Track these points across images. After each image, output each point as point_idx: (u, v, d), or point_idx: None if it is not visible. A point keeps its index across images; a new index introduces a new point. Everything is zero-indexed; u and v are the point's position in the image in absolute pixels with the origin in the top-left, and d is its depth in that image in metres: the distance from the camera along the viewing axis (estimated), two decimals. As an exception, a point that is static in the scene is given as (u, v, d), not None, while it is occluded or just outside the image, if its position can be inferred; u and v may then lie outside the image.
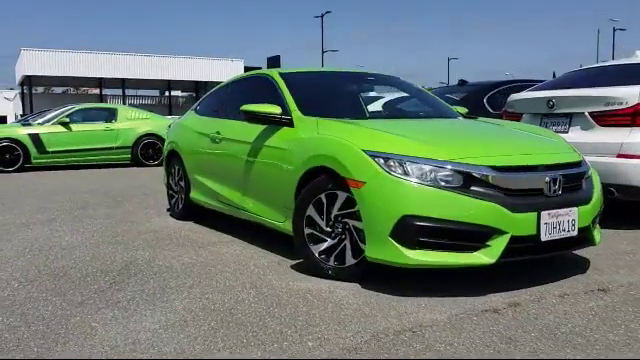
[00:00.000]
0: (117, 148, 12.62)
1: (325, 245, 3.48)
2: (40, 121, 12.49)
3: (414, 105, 4.67)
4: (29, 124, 12.49)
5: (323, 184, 3.44)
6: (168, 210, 6.31)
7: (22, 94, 43.04)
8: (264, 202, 4.16)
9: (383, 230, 3.05)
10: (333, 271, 3.42)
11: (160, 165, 13.10)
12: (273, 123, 4.04)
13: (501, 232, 3.00)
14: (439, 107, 4.68)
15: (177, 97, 52.96)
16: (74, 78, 40.15)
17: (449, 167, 3.06)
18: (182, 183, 5.66)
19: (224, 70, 43.37)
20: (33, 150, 11.88)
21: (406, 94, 4.94)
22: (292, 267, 3.81)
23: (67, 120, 12.25)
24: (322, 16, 42.81)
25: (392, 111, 4.49)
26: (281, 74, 4.46)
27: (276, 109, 4.01)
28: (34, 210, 6.49)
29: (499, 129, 3.98)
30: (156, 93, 52.49)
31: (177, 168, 5.76)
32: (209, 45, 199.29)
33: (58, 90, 52.41)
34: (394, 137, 3.31)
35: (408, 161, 3.08)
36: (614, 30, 46.92)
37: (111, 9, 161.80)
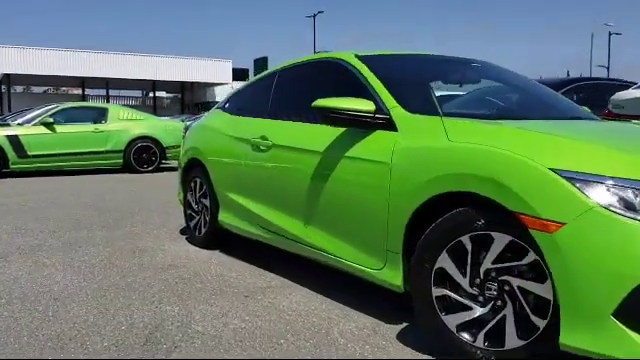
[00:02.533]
0: (107, 152, 11.26)
1: (469, 315, 2.27)
2: (20, 121, 11.10)
3: (530, 101, 3.47)
4: (7, 125, 11.08)
5: (467, 220, 2.23)
6: (184, 233, 5.06)
7: None
8: (345, 238, 2.93)
9: (601, 304, 1.85)
10: (484, 356, 2.20)
11: (156, 171, 11.88)
12: (359, 125, 2.82)
13: None
14: (565, 104, 3.50)
15: (162, 98, 51.47)
16: (55, 77, 38.52)
17: None
18: (206, 201, 4.41)
19: (211, 71, 42.06)
20: (11, 154, 10.48)
21: (500, 84, 3.71)
22: (399, 339, 2.59)
23: (51, 120, 10.85)
24: (314, 16, 41.65)
25: (516, 109, 3.30)
26: (360, 57, 3.24)
27: (368, 105, 2.79)
28: (12, 232, 5.18)
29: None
30: (140, 94, 50.96)
31: (199, 182, 4.51)
32: (193, 45, 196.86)
33: (38, 90, 50.65)
34: (596, 148, 2.11)
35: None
36: (609, 34, 46.36)
37: (93, 7, 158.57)
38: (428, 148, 2.47)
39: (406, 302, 2.59)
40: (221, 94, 45.32)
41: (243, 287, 3.43)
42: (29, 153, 10.60)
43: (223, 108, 4.53)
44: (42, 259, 4.16)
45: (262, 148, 3.63)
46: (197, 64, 42.00)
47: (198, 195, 4.55)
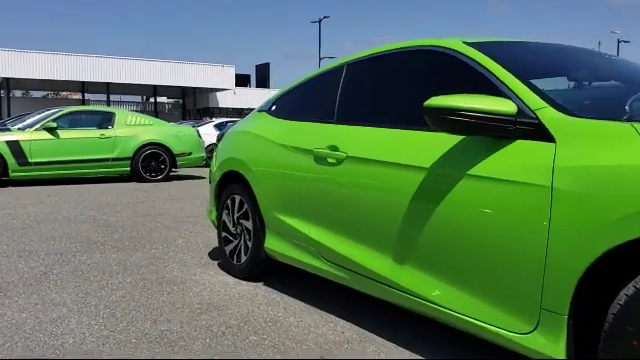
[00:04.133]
0: (114, 159, 10.47)
1: None
2: (20, 126, 10.31)
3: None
4: (7, 129, 10.29)
5: None
6: (214, 257, 4.30)
7: (-2, 97, 40.42)
8: (466, 286, 2.17)
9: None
10: None
11: (165, 180, 11.06)
12: (492, 131, 2.06)
13: None
14: None
15: (163, 103, 50.71)
16: (55, 81, 37.73)
17: None
18: (248, 223, 3.65)
19: (213, 76, 41.35)
20: (12, 161, 9.69)
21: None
22: None
23: (54, 125, 10.05)
24: (320, 21, 40.94)
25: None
26: (473, 44, 2.49)
27: (507, 105, 2.04)
28: (13, 255, 4.41)
29: None
30: (143, 99, 50.27)
31: (238, 200, 3.75)
32: (194, 52, 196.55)
33: (38, 94, 49.90)
34: None
35: None
36: (618, 42, 45.73)
37: (96, 13, 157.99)
38: (623, 168, 1.71)
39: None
40: (224, 100, 44.66)
41: (312, 341, 2.66)
42: (30, 160, 9.81)
43: (268, 111, 3.77)
44: (50, 294, 3.39)
45: (331, 161, 2.87)
46: (199, 69, 41.26)
47: (237, 215, 3.79)
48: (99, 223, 5.95)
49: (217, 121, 17.99)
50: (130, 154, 10.54)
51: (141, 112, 40.84)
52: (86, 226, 5.75)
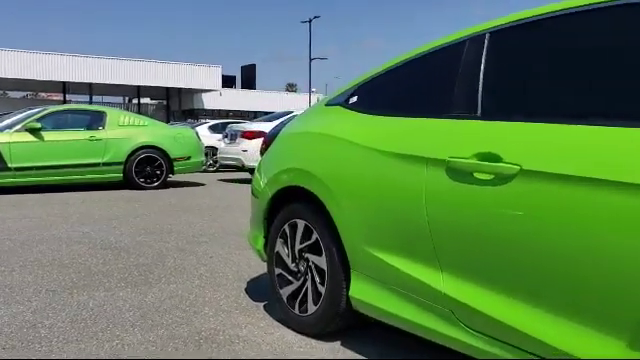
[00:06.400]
0: (105, 164, 9.33)
1: None
2: (-1, 127, 9.17)
3: None
4: (-17, 131, 9.13)
5: None
6: (256, 296, 3.28)
7: (-25, 98, 38.78)
8: None
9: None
10: None
11: (162, 187, 9.91)
12: None
13: None
14: None
15: (146, 105, 49.31)
16: (35, 81, 36.24)
17: None
18: (319, 260, 2.64)
19: (199, 77, 40.18)
20: (-11, 166, 8.55)
21: None
22: None
23: (37, 126, 8.88)
24: (310, 21, 39.78)
25: None
26: None
27: None
28: (-9, 295, 3.35)
29: None
30: (125, 100, 48.86)
31: (303, 226, 2.73)
32: (178, 52, 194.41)
33: (16, 95, 48.22)
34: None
35: None
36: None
37: (78, 11, 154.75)
38: None
39: None
40: (209, 101, 43.42)
41: None
42: (10, 165, 8.65)
43: (346, 104, 2.74)
44: (44, 367, 2.35)
45: (483, 177, 1.87)
46: (186, 69, 40.11)
47: (299, 247, 2.77)
48: (96, 244, 4.88)
49: (212, 122, 16.86)
50: (123, 158, 9.43)
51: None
52: (81, 248, 4.68)
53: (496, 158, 1.85)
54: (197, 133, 10.75)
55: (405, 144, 2.23)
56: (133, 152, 9.51)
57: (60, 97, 40.87)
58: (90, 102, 38.54)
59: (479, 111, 2.03)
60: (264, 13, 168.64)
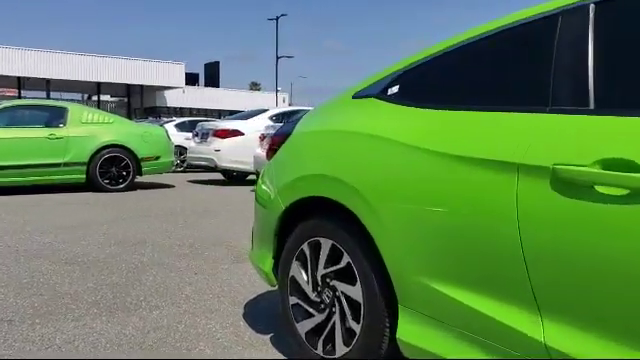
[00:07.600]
0: (66, 164, 8.58)
1: None
2: (-54, 123, 8.30)
3: None
4: None
5: None
6: (257, 328, 2.73)
7: None
8: None
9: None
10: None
11: (129, 189, 9.16)
12: None
13: None
14: None
15: (106, 102, 47.85)
16: (-13, 76, 34.67)
17: None
18: (352, 290, 2.11)
19: (162, 74, 39.14)
20: None
21: None
22: None
23: (-9, 122, 8.13)
24: (277, 19, 39.10)
25: None
26: None
27: None
28: None
29: None
30: (84, 97, 47.30)
31: (329, 246, 2.20)
32: (138, 48, 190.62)
33: (-33, 90, 46.15)
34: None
35: None
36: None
37: (35, 4, 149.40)
38: None
39: None
40: (172, 99, 42.33)
41: None
42: (-42, 166, 7.86)
43: (382, 95, 2.21)
44: None
45: (610, 193, 1.38)
46: (146, 66, 39.05)
47: (324, 272, 2.24)
48: (60, 257, 4.25)
49: (178, 120, 16.12)
50: (86, 158, 8.70)
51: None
52: (42, 264, 4.04)
53: (629, 166, 1.35)
54: (167, 131, 10.06)
55: (481, 146, 1.72)
56: (97, 151, 8.78)
57: (15, 93, 39.20)
58: (47, 98, 37.07)
59: (591, 103, 1.54)
60: (228, 12, 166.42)
